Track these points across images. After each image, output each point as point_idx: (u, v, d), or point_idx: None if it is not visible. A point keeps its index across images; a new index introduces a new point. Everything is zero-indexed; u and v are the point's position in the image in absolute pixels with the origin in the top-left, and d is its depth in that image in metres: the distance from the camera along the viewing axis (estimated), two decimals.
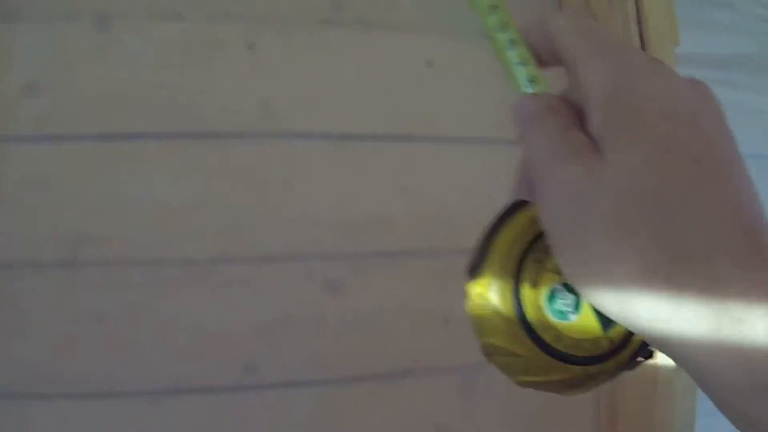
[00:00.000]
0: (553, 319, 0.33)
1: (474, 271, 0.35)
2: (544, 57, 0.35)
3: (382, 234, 0.86)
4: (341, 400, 0.82)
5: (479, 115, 0.93)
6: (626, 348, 0.33)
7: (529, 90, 0.35)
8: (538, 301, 0.34)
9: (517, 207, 0.35)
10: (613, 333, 0.33)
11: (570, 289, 0.33)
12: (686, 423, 0.87)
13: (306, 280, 0.82)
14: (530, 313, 0.34)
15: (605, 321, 0.33)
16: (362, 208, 0.85)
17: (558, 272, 0.32)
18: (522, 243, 0.35)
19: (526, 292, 0.33)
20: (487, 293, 0.34)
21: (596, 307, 0.30)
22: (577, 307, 0.33)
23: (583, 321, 0.33)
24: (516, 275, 0.34)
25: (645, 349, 0.34)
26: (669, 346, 0.28)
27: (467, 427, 0.89)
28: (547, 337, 0.33)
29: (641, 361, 0.34)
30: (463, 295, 0.35)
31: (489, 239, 0.35)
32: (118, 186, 0.75)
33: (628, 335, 0.33)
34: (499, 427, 0.92)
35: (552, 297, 0.33)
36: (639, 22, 0.85)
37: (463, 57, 0.93)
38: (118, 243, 0.75)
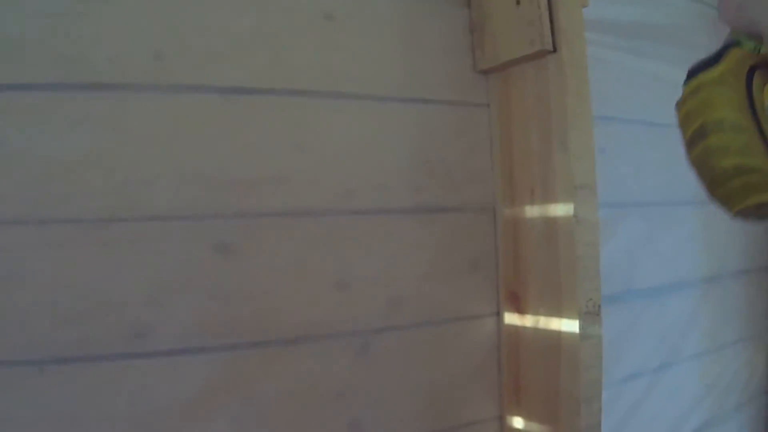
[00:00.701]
0: None
1: (706, 64, 0.47)
2: None
3: (276, 193, 0.91)
4: (236, 367, 0.88)
5: (379, 73, 1.01)
6: None
7: None
8: (763, 101, 0.44)
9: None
10: None
11: None
12: (592, 393, 0.98)
13: (196, 241, 0.86)
14: (757, 103, 0.44)
15: None
16: (255, 166, 0.90)
17: None
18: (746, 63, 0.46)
19: (755, 91, 0.44)
20: (722, 78, 0.45)
21: None
22: None
23: None
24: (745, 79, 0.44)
25: None
26: None
27: (364, 392, 0.98)
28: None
29: None
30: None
31: (719, 54, 0.48)
32: None
33: None
34: (397, 392, 1.01)
35: None
36: None
37: (365, 10, 1.00)
38: None
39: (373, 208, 0.99)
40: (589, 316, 0.99)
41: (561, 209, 0.98)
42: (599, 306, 1.00)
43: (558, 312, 1.01)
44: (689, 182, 1.34)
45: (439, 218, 1.05)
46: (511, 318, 1.09)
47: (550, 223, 1.00)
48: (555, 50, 0.97)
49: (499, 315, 1.10)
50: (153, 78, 0.85)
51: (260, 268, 0.91)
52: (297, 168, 0.94)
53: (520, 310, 1.07)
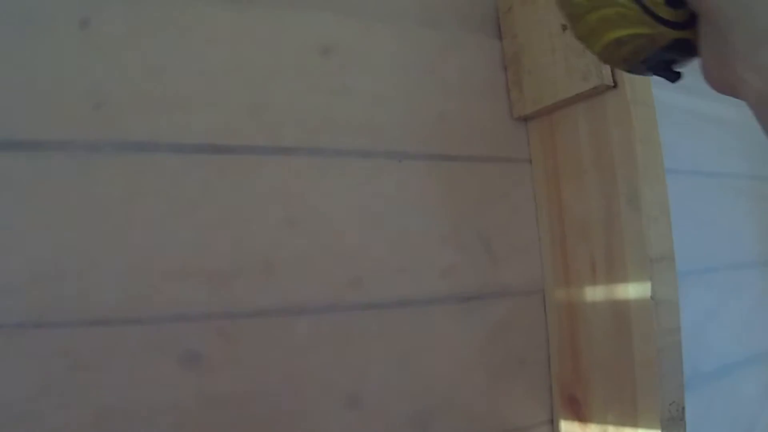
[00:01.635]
0: None
1: None
2: None
3: (259, 287, 0.70)
4: None
5: (392, 123, 0.81)
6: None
7: None
8: None
9: None
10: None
11: None
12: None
13: (155, 351, 0.63)
14: None
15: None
16: (229, 252, 0.69)
17: None
18: None
19: None
20: None
21: None
22: None
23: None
24: None
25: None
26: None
27: None
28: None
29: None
30: None
31: None
32: None
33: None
34: None
35: None
36: None
37: (373, 42, 0.81)
38: None
39: (389, 299, 0.77)
40: (673, 422, 0.76)
41: (633, 289, 0.76)
42: (683, 409, 0.77)
43: (633, 420, 0.78)
44: (753, 240, 1.16)
45: (475, 307, 0.82)
46: (569, 427, 0.85)
47: (620, 307, 0.78)
48: (615, 85, 0.76)
49: (553, 424, 0.87)
50: (90, 133, 0.62)
51: (242, 385, 0.67)
52: (286, 252, 0.71)
53: (582, 418, 0.84)
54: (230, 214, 0.68)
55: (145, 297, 0.63)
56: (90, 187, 0.62)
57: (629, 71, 0.51)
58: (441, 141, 0.82)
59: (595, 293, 0.81)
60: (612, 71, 0.76)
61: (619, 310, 0.78)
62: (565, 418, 0.86)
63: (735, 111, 1.14)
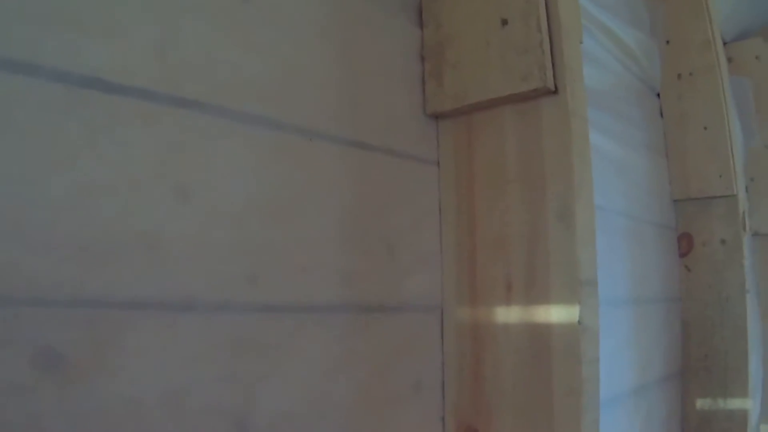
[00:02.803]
0: None
1: None
2: None
3: (137, 271, 0.56)
4: None
5: (307, 95, 0.70)
6: None
7: None
8: None
9: None
10: None
11: None
12: None
13: None
14: None
15: None
16: (104, 217, 0.55)
17: None
18: None
19: None
20: None
21: None
22: None
23: None
24: None
25: None
26: None
27: None
28: None
29: None
30: None
31: None
32: None
33: None
34: None
35: None
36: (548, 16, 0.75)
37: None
38: None
39: (287, 303, 0.66)
40: None
41: (558, 312, 0.71)
42: None
43: None
44: (625, 277, 1.16)
45: (375, 321, 0.73)
46: None
47: (539, 331, 0.72)
48: (556, 91, 0.71)
49: None
50: None
51: (111, 400, 0.53)
52: (176, 231, 0.58)
53: None
54: (114, 172, 0.54)
55: None
56: None
57: None
58: (353, 125, 0.73)
59: (508, 315, 0.75)
60: (554, 75, 0.71)
61: (539, 334, 0.72)
62: None
63: (621, 150, 1.14)
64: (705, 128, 1.36)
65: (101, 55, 0.54)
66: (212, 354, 0.59)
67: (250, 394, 0.61)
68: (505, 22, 0.74)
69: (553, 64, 0.72)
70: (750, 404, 1.34)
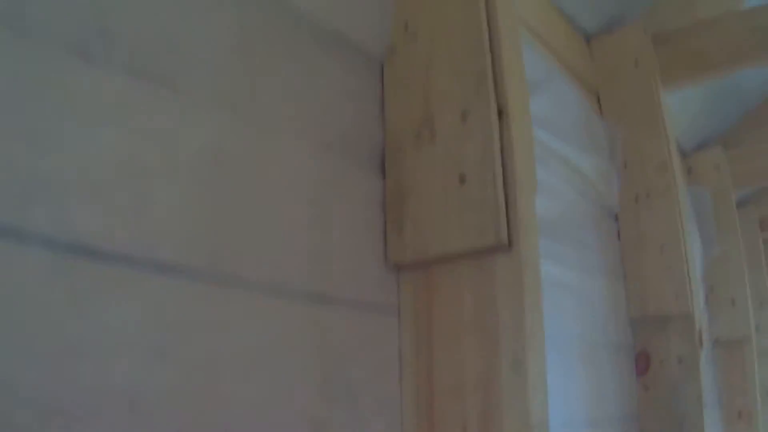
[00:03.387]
0: None
1: None
2: None
3: (117, 423, 0.62)
4: None
5: (280, 249, 0.73)
6: None
7: None
8: None
9: None
10: None
11: None
12: None
13: None
14: None
15: None
16: (84, 369, 0.57)
17: None
18: None
19: None
20: None
21: None
22: None
23: None
24: None
25: None
26: None
27: None
28: None
29: None
30: None
31: None
32: None
33: None
34: None
35: None
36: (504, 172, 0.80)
37: (270, 149, 0.74)
38: None
39: None
40: None
41: None
42: None
43: None
44: (583, 400, 1.19)
45: None
46: None
47: None
48: (510, 245, 0.76)
49: None
50: None
51: None
52: (153, 390, 0.60)
53: None
54: (96, 336, 0.57)
55: None
56: None
57: None
58: (317, 278, 0.77)
59: None
60: (508, 231, 0.76)
61: None
62: None
63: (577, 276, 1.19)
64: (662, 248, 1.41)
65: (85, 222, 0.57)
66: None
67: None
68: (462, 178, 0.78)
69: (507, 220, 0.76)
70: None
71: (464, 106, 0.81)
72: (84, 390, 0.56)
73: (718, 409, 1.92)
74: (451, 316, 0.80)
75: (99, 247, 0.58)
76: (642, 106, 1.47)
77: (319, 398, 0.74)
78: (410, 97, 0.87)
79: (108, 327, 0.58)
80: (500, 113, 0.80)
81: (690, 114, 1.95)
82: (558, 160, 1.18)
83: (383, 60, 0.92)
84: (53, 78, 0.57)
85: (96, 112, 0.60)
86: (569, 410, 1.14)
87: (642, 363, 1.41)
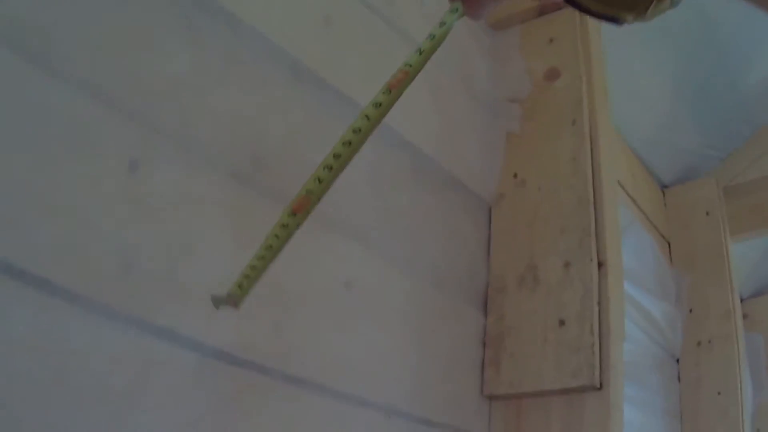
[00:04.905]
0: None
1: None
2: None
3: None
4: None
5: (391, 375, 0.83)
6: None
7: None
8: None
9: None
10: None
11: None
12: None
13: None
14: None
15: None
16: None
17: None
18: None
19: None
20: None
21: None
22: None
23: None
24: None
25: None
26: None
27: None
28: None
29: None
30: None
31: None
32: None
33: None
34: None
35: None
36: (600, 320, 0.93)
37: (387, 282, 0.85)
38: None
39: None
40: None
41: None
42: None
43: None
44: None
45: None
46: None
47: None
48: (600, 387, 0.85)
49: None
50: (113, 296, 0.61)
51: None
52: None
53: None
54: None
55: None
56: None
57: None
58: (421, 404, 0.86)
59: None
60: (600, 372, 0.85)
61: None
62: None
63: (641, 415, 1.26)
64: (719, 393, 1.48)
65: (229, 330, 0.68)
66: None
67: None
68: (562, 322, 0.88)
69: (600, 363, 0.85)
70: None
71: (567, 257, 0.92)
72: None
73: None
74: None
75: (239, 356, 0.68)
76: (710, 255, 1.56)
77: None
78: (516, 243, 0.98)
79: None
80: (600, 265, 0.90)
81: (751, 262, 2.03)
82: (632, 304, 1.28)
83: (492, 205, 1.03)
84: None
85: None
86: None
87: None
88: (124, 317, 0.59)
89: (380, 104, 0.50)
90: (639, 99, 1.48)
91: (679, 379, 1.52)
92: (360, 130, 0.50)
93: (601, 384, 0.85)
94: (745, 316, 2.13)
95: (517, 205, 1.01)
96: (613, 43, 1.14)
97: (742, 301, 2.11)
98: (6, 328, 0.52)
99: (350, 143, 0.50)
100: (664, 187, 1.66)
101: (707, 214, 1.60)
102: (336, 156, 0.50)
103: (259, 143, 0.73)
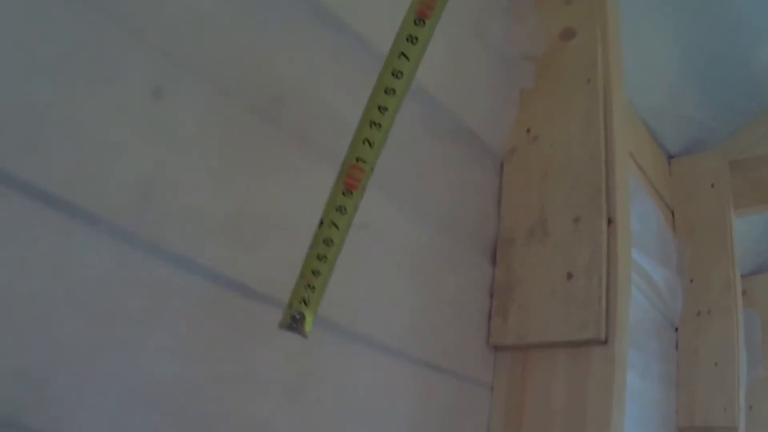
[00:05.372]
0: None
1: None
2: None
3: None
4: None
5: (396, 317, 0.84)
6: None
7: None
8: None
9: None
10: None
11: None
12: None
13: None
14: None
15: None
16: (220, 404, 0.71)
17: None
18: None
19: None
20: None
21: None
22: None
23: None
24: None
25: None
26: None
27: None
28: None
29: None
30: None
31: None
32: None
33: None
34: None
35: None
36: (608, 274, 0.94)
37: (396, 226, 0.85)
38: None
39: None
40: None
41: None
42: None
43: None
44: None
45: None
46: None
47: None
48: (606, 341, 0.86)
49: None
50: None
51: None
52: (282, 421, 0.71)
53: None
54: (240, 367, 0.68)
55: None
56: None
57: None
58: (428, 348, 0.87)
59: None
60: (606, 327, 0.86)
61: None
62: None
63: (639, 380, 1.28)
64: (716, 364, 1.50)
65: (247, 263, 0.68)
66: None
67: None
68: (570, 275, 0.89)
69: (606, 319, 0.86)
70: None
71: (577, 212, 0.92)
72: (227, 418, 0.66)
73: None
74: (541, 399, 0.90)
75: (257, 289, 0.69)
76: (713, 227, 1.57)
77: None
78: (527, 196, 0.99)
79: (251, 361, 0.69)
80: (609, 222, 0.91)
81: (751, 239, 2.04)
82: (634, 268, 1.29)
83: (504, 158, 1.04)
84: None
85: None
86: None
87: None
88: (144, 243, 0.60)
89: (416, 38, 0.44)
90: (648, 68, 1.47)
91: (676, 347, 1.54)
92: (402, 73, 0.44)
93: (606, 338, 0.86)
94: (744, 293, 2.15)
95: (529, 159, 1.02)
96: (624, 10, 1.14)
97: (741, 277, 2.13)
98: (27, 249, 0.53)
99: (394, 90, 0.44)
100: (669, 157, 1.67)
101: (712, 186, 1.61)
102: (382, 109, 0.43)
103: (279, 83, 0.74)
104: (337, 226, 0.42)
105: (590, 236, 0.90)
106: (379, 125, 0.42)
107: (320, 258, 0.42)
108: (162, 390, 0.60)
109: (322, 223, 0.41)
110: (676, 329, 1.54)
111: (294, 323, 0.42)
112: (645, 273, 1.34)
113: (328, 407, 0.75)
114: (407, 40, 0.43)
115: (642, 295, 1.35)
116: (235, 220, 0.67)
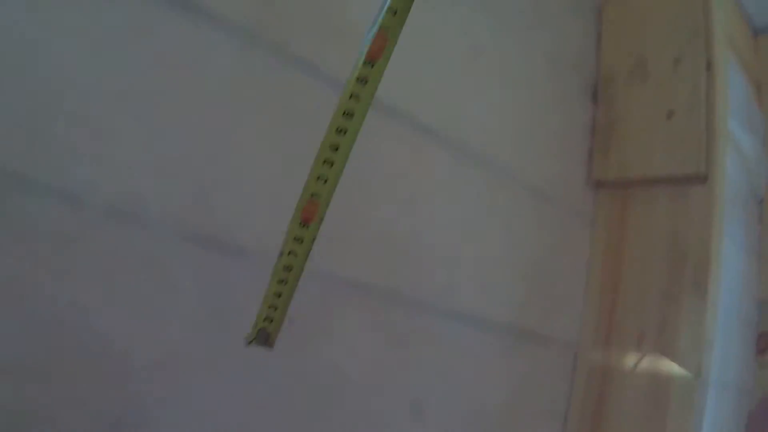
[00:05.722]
0: None
1: None
2: None
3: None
4: None
5: (504, 137, 0.86)
6: None
7: None
8: None
9: None
10: None
11: None
12: None
13: None
14: None
15: None
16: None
17: None
18: None
19: None
20: None
21: None
22: None
23: None
24: None
25: None
26: None
27: None
28: None
29: None
30: None
31: None
32: None
33: None
34: None
35: None
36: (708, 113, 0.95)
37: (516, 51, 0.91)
38: None
39: (470, 309, 0.81)
40: None
41: (681, 366, 0.85)
42: None
43: None
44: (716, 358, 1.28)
45: (526, 349, 0.88)
46: None
47: (662, 381, 0.86)
48: (706, 179, 0.87)
49: None
50: None
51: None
52: (402, 230, 0.74)
53: None
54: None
55: None
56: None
57: None
58: (532, 172, 0.91)
59: (636, 363, 0.89)
60: (706, 165, 0.87)
61: (661, 383, 0.86)
62: None
63: (726, 248, 1.28)
64: None
65: None
66: (407, 347, 0.75)
67: (423, 386, 0.76)
68: (671, 113, 0.90)
69: (706, 156, 0.87)
70: None
71: (677, 54, 0.92)
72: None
73: None
74: (642, 233, 0.92)
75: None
76: None
77: (522, 285, 0.87)
78: (626, 38, 0.99)
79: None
80: (708, 65, 0.91)
81: None
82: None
83: (601, 4, 1.04)
84: None
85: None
86: None
87: (762, 343, 1.50)
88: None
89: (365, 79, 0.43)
90: None
91: (760, 221, 1.53)
92: (353, 115, 0.44)
93: (706, 175, 0.87)
94: None
95: (628, 2, 1.01)
96: None
97: None
98: (152, 44, 0.56)
99: (345, 131, 0.44)
100: (757, 32, 1.63)
101: None
102: (333, 147, 0.44)
103: None
104: (296, 254, 0.46)
105: (690, 77, 0.91)
106: (332, 163, 0.44)
107: (281, 282, 0.46)
108: None
109: (281, 253, 0.46)
110: (760, 201, 1.53)
111: (260, 338, 0.48)
112: (733, 138, 1.32)
113: (440, 218, 0.78)
114: (358, 81, 0.43)
115: (729, 159, 1.34)
116: None
